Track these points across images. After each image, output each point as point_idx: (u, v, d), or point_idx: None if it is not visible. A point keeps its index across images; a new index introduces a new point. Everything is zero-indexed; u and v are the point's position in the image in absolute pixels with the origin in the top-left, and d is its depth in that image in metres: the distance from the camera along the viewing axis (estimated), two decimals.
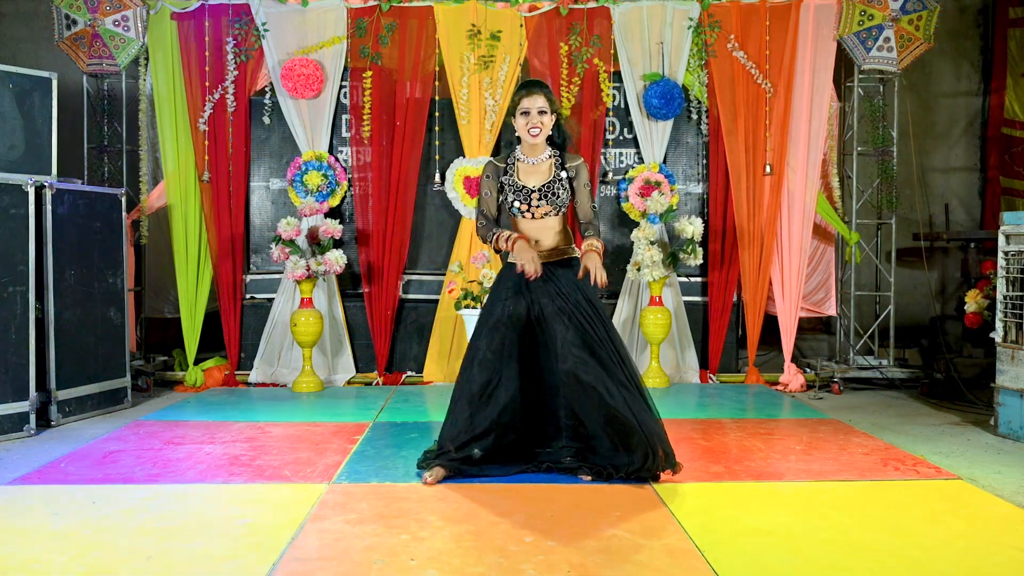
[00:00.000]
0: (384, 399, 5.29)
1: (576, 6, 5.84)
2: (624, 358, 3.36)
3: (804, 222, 5.85)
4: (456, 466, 3.38)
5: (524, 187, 3.44)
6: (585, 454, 3.41)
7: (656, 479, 3.32)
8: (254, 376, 5.83)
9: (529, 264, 3.32)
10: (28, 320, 4.36)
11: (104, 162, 6.08)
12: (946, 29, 6.45)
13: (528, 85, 3.46)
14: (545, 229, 3.47)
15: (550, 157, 3.48)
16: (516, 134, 3.48)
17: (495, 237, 3.46)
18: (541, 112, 3.38)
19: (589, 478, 3.36)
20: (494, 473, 3.40)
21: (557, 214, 3.47)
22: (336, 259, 5.50)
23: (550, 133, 3.46)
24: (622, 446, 3.30)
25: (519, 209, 3.45)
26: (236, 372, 5.89)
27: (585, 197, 3.49)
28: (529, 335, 3.42)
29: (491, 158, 3.65)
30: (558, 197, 3.43)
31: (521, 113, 3.41)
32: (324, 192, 5.79)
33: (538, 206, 3.43)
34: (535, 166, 3.47)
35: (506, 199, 3.49)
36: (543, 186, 3.43)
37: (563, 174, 3.46)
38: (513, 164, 3.52)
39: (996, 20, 6.60)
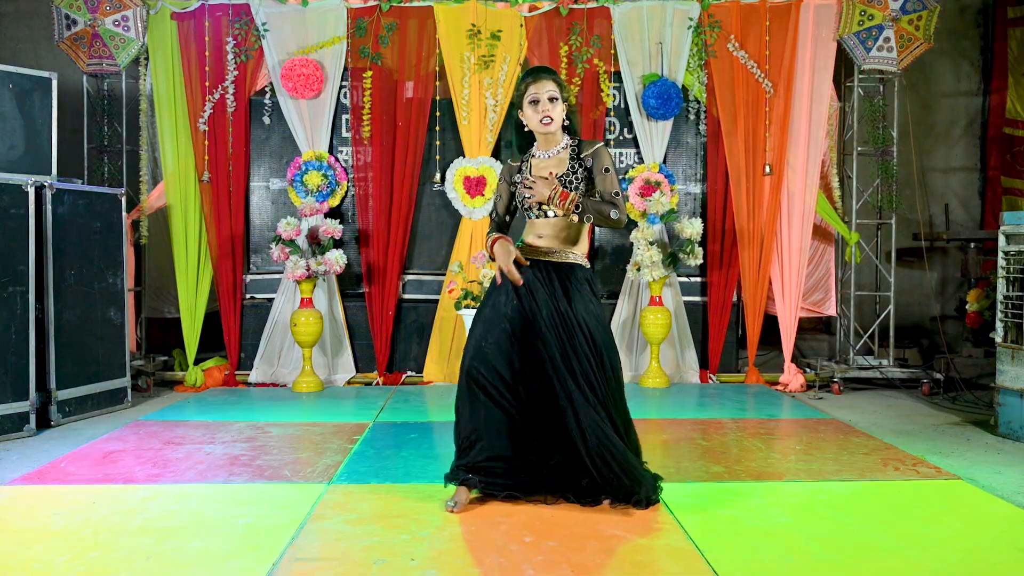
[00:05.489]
0: (384, 399, 5.29)
1: (576, 6, 5.84)
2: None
3: (804, 222, 5.85)
4: None
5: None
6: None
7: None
8: (254, 376, 5.83)
9: (504, 265, 3.01)
10: (28, 320, 4.36)
11: (104, 162, 6.08)
12: (946, 29, 6.44)
13: (535, 71, 3.11)
14: (553, 224, 3.10)
15: (566, 148, 3.11)
16: (526, 128, 3.15)
17: (489, 242, 3.16)
18: (552, 99, 3.03)
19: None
20: None
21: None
22: (336, 259, 5.50)
23: (565, 122, 3.11)
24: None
25: (530, 207, 3.11)
26: (236, 372, 5.89)
27: (604, 181, 3.05)
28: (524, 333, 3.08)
29: (509, 160, 3.29)
30: (573, 188, 3.05)
31: (530, 102, 3.06)
32: (324, 192, 5.79)
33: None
34: (549, 159, 3.12)
35: (521, 199, 3.13)
36: (556, 179, 3.07)
37: (579, 164, 3.07)
38: (527, 161, 3.19)
39: (996, 20, 6.60)
